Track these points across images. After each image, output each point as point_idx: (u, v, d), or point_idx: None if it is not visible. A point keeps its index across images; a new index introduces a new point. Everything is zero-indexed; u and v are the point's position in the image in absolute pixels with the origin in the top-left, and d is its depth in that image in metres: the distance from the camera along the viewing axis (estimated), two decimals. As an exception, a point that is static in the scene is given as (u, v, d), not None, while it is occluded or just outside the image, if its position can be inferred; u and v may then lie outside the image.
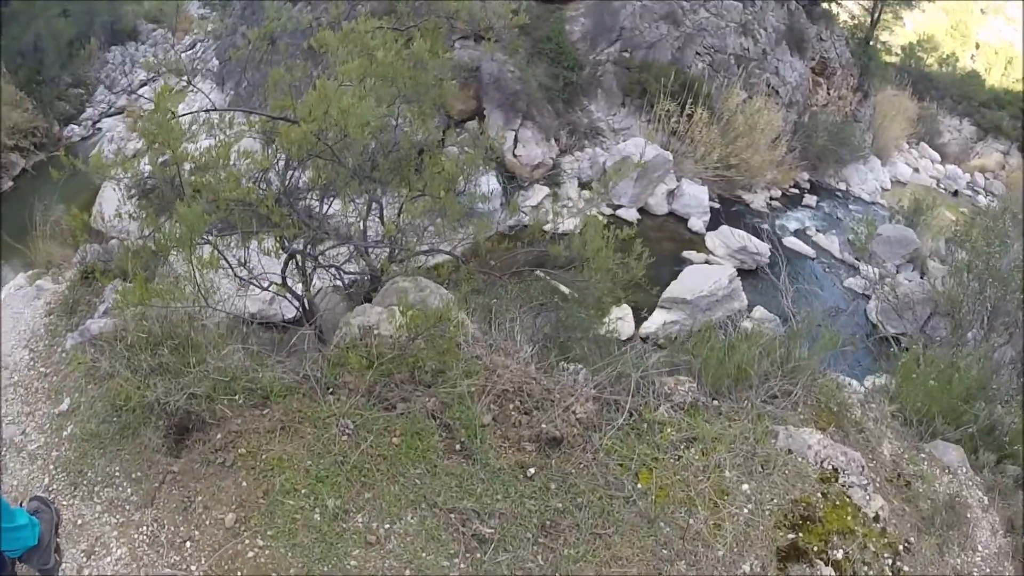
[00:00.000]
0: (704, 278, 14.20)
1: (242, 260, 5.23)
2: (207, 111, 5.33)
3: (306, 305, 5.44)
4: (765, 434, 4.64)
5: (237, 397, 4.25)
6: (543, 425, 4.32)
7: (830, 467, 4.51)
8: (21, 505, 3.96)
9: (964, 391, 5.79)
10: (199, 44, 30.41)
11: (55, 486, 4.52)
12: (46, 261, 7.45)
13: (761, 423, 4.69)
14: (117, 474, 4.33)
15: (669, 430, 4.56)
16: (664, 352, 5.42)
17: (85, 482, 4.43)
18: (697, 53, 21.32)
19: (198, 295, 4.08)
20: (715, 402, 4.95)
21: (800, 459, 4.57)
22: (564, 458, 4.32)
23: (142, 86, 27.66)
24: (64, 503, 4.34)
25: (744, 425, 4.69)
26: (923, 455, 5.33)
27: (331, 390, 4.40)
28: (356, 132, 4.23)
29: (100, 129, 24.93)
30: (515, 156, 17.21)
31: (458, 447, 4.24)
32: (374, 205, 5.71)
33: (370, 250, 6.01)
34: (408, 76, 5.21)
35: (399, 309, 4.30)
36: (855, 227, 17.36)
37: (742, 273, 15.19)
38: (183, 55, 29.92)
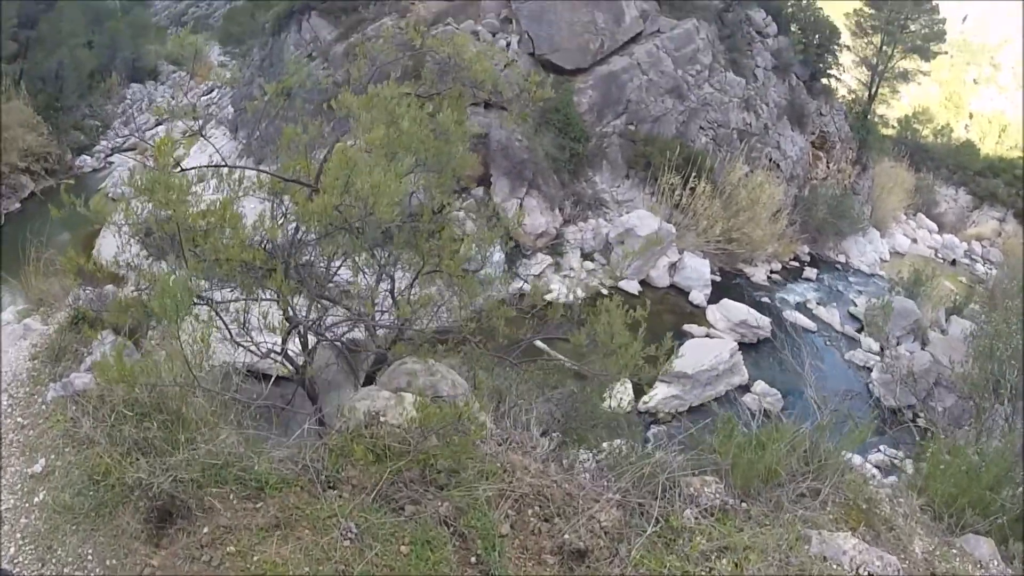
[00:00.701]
0: (705, 352, 14.00)
1: (242, 322, 4.77)
2: (215, 166, 4.93)
3: (307, 385, 4.93)
4: (798, 540, 4.18)
5: (228, 486, 3.70)
6: (566, 535, 3.79)
7: (866, 573, 4.06)
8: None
9: (992, 479, 5.41)
10: (216, 90, 30.40)
11: (21, 558, 3.97)
12: (38, 298, 6.94)
13: (793, 528, 4.23)
14: (90, 557, 3.78)
15: (699, 539, 4.05)
16: (686, 448, 4.93)
17: (54, 560, 3.89)
18: (701, 127, 21.46)
19: (187, 372, 3.55)
20: (744, 504, 4.48)
21: (836, 566, 4.09)
22: (590, 573, 3.79)
23: (157, 125, 27.52)
24: (30, 579, 3.82)
25: (776, 531, 4.22)
26: (954, 551, 4.89)
27: (332, 485, 3.86)
28: (385, 212, 3.82)
29: (112, 163, 24.66)
30: (519, 223, 17.05)
31: (473, 559, 3.70)
32: (384, 276, 5.27)
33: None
34: (432, 147, 4.85)
35: (413, 401, 3.83)
36: (869, 312, 17.38)
37: (743, 347, 15.00)
38: (200, 99, 29.85)
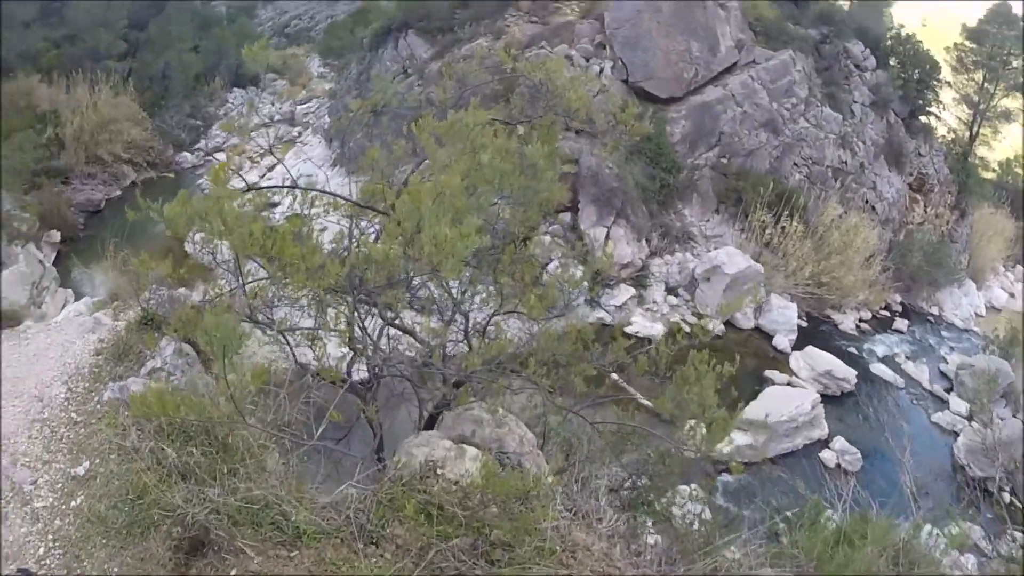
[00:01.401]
0: (785, 401, 13.21)
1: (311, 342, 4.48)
2: (289, 187, 4.70)
3: (375, 430, 4.57)
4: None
5: (264, 529, 3.37)
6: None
7: None
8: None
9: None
10: (315, 99, 30.98)
11: (48, 561, 3.77)
12: (113, 293, 6.88)
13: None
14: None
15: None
16: (765, 536, 4.40)
17: (79, 570, 3.67)
18: (795, 164, 20.48)
19: (233, 410, 3.23)
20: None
21: None
22: None
23: (255, 130, 28.10)
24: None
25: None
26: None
27: (375, 541, 3.46)
28: (451, 271, 3.46)
29: (209, 161, 25.29)
30: (604, 253, 16.50)
31: (516, 653, 3.22)
32: (458, 311, 4.91)
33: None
34: (517, 181, 4.48)
35: (475, 456, 3.45)
36: (961, 373, 16.22)
37: (825, 399, 14.05)
38: (298, 108, 30.46)
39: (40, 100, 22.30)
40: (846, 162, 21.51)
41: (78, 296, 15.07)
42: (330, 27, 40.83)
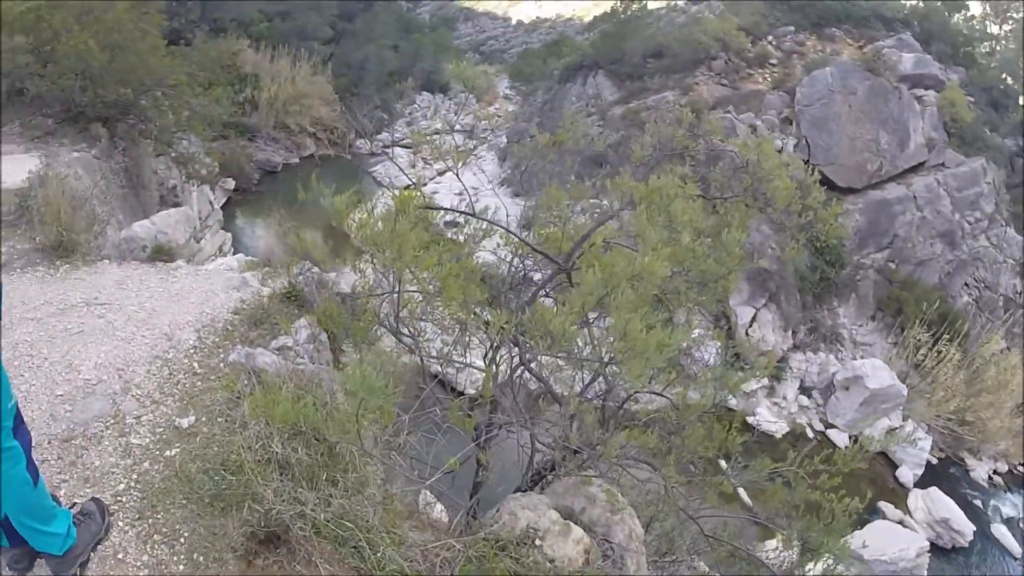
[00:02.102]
0: (891, 540, 11.88)
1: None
2: (465, 213, 4.48)
3: (479, 476, 4.24)
4: None
5: (344, 550, 3.09)
6: None
7: None
8: (75, 506, 3.32)
9: None
10: (497, 117, 31.60)
11: (124, 500, 3.66)
12: (267, 256, 6.95)
13: None
14: (182, 540, 3.37)
15: None
16: None
17: (150, 521, 3.52)
18: (966, 284, 18.75)
19: (354, 434, 2.97)
20: None
21: None
22: None
23: (435, 134, 29.00)
24: (118, 526, 3.46)
25: None
26: None
27: None
28: (634, 375, 3.10)
29: (387, 153, 26.26)
30: (747, 334, 15.57)
31: None
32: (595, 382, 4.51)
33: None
34: (710, 268, 4.07)
35: (579, 539, 3.05)
36: None
37: (934, 549, 12.67)
38: (480, 123, 31.16)
39: (245, 63, 23.89)
40: (1020, 293, 19.60)
41: (235, 242, 15.95)
42: (524, 53, 41.84)
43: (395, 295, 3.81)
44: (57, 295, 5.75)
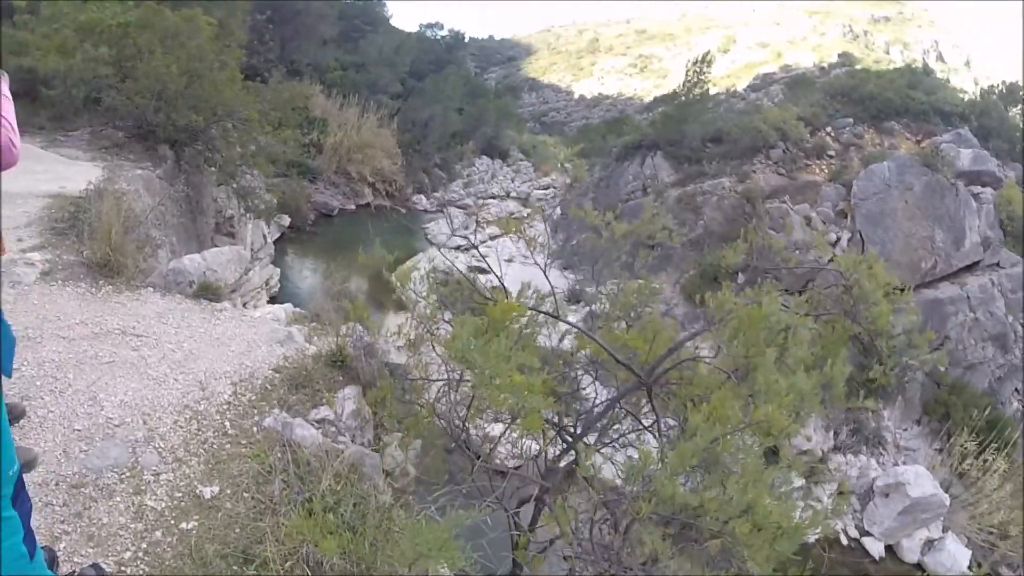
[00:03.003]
0: None
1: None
2: (546, 313, 3.98)
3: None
4: None
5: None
6: None
7: None
8: (73, 574, 2.91)
9: None
10: (552, 188, 31.59)
11: (128, 571, 3.13)
12: (315, 312, 6.49)
13: None
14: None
15: None
16: None
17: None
18: (1016, 390, 17.54)
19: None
20: None
21: None
22: None
23: (491, 198, 29.23)
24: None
25: None
26: None
27: None
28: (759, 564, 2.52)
29: (442, 211, 26.26)
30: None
31: None
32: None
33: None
34: (814, 406, 3.49)
35: None
36: None
37: None
38: (535, 192, 31.19)
39: (315, 107, 24.22)
40: (1074, 404, 18.22)
41: (283, 278, 15.71)
42: (584, 128, 42.20)
43: (456, 392, 3.27)
44: (94, 317, 5.35)
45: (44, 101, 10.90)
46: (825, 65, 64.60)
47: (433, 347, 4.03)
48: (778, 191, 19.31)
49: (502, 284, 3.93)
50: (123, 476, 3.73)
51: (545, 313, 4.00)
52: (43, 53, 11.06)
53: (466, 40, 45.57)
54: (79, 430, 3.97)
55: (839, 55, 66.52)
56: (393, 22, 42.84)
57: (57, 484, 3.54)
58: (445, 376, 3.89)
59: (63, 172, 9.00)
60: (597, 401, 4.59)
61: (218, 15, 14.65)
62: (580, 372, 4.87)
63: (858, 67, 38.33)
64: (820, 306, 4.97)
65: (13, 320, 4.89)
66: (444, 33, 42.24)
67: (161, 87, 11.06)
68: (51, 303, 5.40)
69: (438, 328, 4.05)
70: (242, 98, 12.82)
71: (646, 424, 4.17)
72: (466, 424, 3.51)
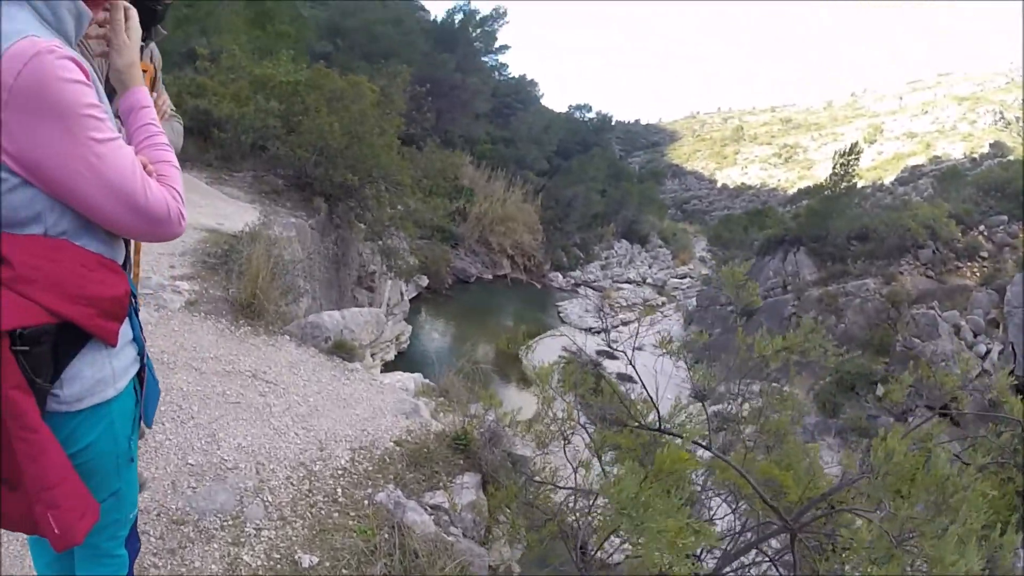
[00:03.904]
0: None
1: None
2: (713, 453, 3.48)
3: None
4: None
5: None
6: None
7: None
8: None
9: None
10: (689, 278, 30.88)
11: None
12: (443, 387, 6.22)
13: None
14: None
15: None
16: None
17: None
18: None
19: None
20: None
21: None
22: None
23: (627, 282, 28.90)
24: None
25: None
26: None
27: None
28: None
29: (577, 292, 26.18)
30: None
31: None
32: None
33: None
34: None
35: None
36: None
37: None
38: (671, 280, 30.59)
39: (464, 176, 24.88)
40: None
41: (413, 335, 15.83)
42: (726, 218, 41.37)
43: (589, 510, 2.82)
44: (228, 354, 5.30)
45: (215, 141, 11.63)
46: (976, 156, 60.78)
47: (564, 451, 3.61)
48: (925, 296, 17.72)
49: (653, 402, 3.46)
50: (225, 523, 3.50)
51: (698, 443, 3.48)
52: (219, 98, 11.91)
53: (613, 123, 46.07)
54: (192, 464, 3.85)
55: (990, 144, 62.38)
56: (544, 101, 44.08)
57: (158, 515, 3.39)
58: (574, 484, 3.46)
59: (223, 209, 9.37)
60: (726, 529, 4.02)
61: (381, 83, 15.36)
62: (712, 494, 4.31)
63: (1010, 157, 35.73)
64: (991, 452, 4.13)
65: (152, 343, 4.92)
66: (592, 115, 42.89)
67: (323, 144, 11.57)
68: (190, 333, 5.42)
69: (573, 432, 3.64)
70: (397, 163, 13.27)
71: (783, 573, 3.54)
72: (594, 551, 3.04)
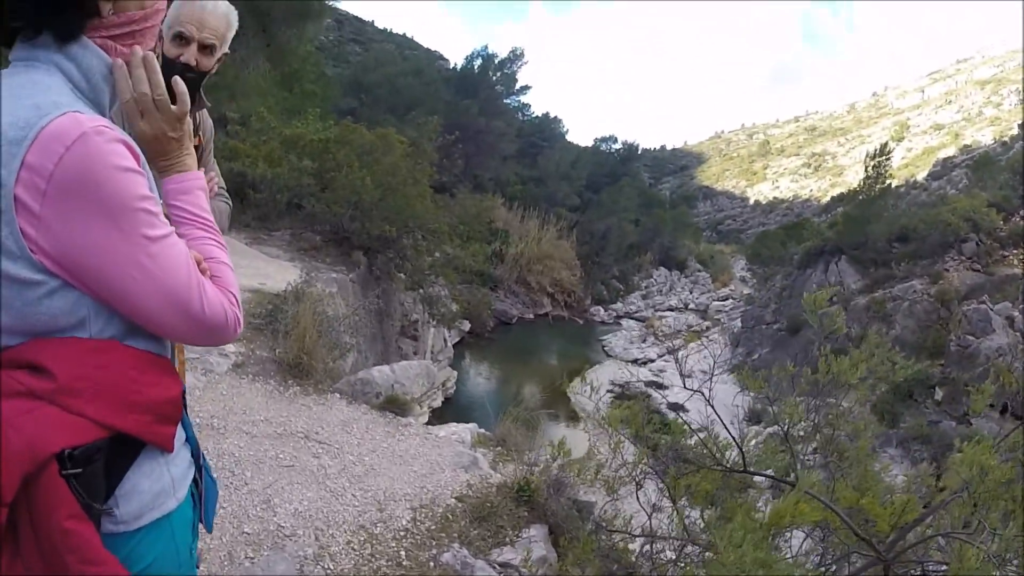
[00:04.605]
0: None
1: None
2: (780, 480, 3.26)
3: None
4: None
5: None
6: None
7: None
8: None
9: None
10: (731, 300, 30.45)
11: None
12: (499, 435, 6.04)
13: None
14: None
15: None
16: None
17: None
18: None
19: None
20: None
21: None
22: None
23: (669, 310, 28.59)
24: None
25: None
26: None
27: None
28: None
29: (620, 324, 25.93)
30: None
31: None
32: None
33: None
34: None
35: None
36: None
37: None
38: (713, 303, 30.20)
39: (498, 219, 24.97)
40: None
41: (459, 381, 15.71)
42: (762, 235, 40.85)
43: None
44: (279, 416, 5.19)
45: (251, 202, 11.78)
46: (1007, 139, 59.21)
47: (637, 497, 3.40)
48: (975, 290, 16.98)
49: (735, 440, 3.24)
50: (279, 578, 3.36)
51: (784, 480, 3.24)
52: (252, 160, 12.10)
53: (639, 151, 45.97)
54: (248, 533, 3.70)
55: (1019, 126, 60.86)
56: (569, 137, 44.27)
57: (217, 588, 3.19)
58: (650, 531, 3.24)
59: (264, 269, 9.39)
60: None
61: (410, 134, 15.52)
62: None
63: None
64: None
65: (200, 408, 4.85)
66: (618, 146, 42.85)
67: (357, 198, 11.68)
68: (239, 396, 5.33)
69: (645, 477, 3.43)
70: (432, 211, 13.33)
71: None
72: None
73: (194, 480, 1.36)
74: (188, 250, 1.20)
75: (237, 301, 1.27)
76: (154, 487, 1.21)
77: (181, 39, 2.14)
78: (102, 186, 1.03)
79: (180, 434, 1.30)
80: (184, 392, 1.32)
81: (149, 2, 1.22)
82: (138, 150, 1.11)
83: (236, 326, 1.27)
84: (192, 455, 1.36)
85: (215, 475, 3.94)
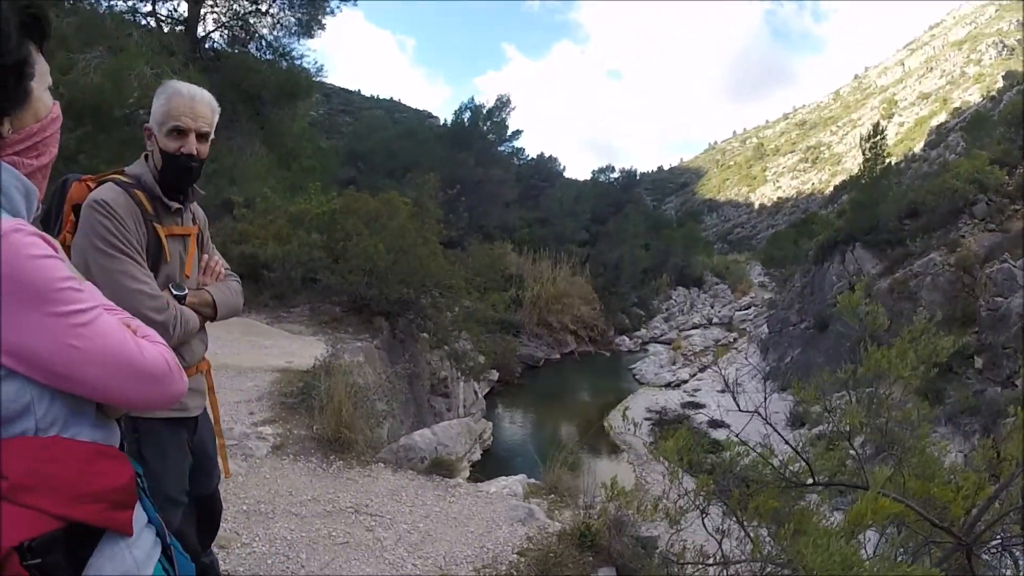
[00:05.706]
0: None
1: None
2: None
3: None
4: None
5: None
6: None
7: None
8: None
9: None
10: (753, 307, 30.22)
11: None
12: (550, 483, 5.94)
13: None
14: None
15: None
16: None
17: None
18: None
19: None
20: None
21: None
22: None
23: (693, 328, 28.39)
24: None
25: None
26: None
27: None
28: None
29: (647, 350, 25.74)
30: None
31: None
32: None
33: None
34: None
35: None
36: None
37: None
38: (736, 314, 29.95)
39: (509, 265, 25.04)
40: None
41: (495, 431, 15.57)
42: (773, 237, 40.67)
43: None
44: (326, 493, 5.13)
45: (266, 282, 11.86)
46: (994, 94, 58.81)
47: (704, 523, 3.32)
48: (994, 250, 16.58)
49: (798, 452, 3.16)
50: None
51: (854, 485, 3.15)
52: (261, 240, 12.19)
53: (638, 177, 46.06)
54: None
55: (1003, 77, 60.42)
56: (567, 174, 44.46)
57: None
58: (723, 558, 3.15)
59: (288, 346, 9.40)
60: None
61: (411, 195, 15.66)
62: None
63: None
64: None
65: (245, 494, 4.80)
66: (616, 175, 42.90)
67: (371, 264, 11.71)
68: (283, 478, 5.29)
69: (709, 503, 3.35)
70: (446, 267, 13.34)
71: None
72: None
73: (167, 556, 1.41)
74: (115, 318, 1.29)
75: (170, 352, 1.36)
76: (117, 569, 1.26)
77: (178, 132, 2.27)
78: (28, 273, 1.13)
79: (141, 516, 1.36)
80: (139, 475, 1.38)
81: (44, 112, 1.32)
82: (55, 243, 1.22)
83: (179, 372, 1.36)
84: (158, 536, 1.41)
85: (269, 561, 3.88)
